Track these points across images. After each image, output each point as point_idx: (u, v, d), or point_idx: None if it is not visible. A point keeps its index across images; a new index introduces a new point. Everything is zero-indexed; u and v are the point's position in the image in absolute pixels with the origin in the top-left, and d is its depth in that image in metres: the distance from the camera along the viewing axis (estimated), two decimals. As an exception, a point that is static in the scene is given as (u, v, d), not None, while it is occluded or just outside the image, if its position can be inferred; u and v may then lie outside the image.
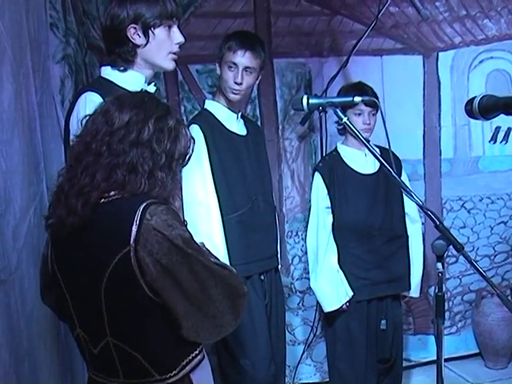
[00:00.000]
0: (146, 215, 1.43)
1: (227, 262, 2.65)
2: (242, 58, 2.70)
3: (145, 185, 1.48)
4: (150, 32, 2.07)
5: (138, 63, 2.11)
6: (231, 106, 2.80)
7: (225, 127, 2.80)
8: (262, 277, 2.83)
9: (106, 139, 1.48)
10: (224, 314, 1.50)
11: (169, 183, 1.52)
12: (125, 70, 2.10)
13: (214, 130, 2.76)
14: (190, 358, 1.56)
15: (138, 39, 2.07)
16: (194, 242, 1.50)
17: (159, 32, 2.08)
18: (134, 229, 1.41)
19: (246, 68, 2.71)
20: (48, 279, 1.60)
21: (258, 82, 2.85)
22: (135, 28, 2.06)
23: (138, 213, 1.43)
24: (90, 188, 1.47)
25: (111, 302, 1.46)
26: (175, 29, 2.12)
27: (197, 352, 1.57)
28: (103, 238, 1.46)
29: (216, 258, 1.59)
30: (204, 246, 1.62)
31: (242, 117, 2.94)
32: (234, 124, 2.83)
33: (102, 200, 1.48)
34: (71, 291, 1.53)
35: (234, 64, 2.71)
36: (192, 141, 1.60)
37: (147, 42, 2.07)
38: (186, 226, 1.52)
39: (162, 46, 2.10)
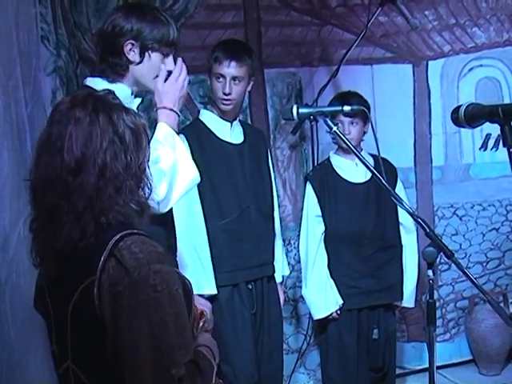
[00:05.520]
0: (117, 249, 1.37)
1: (211, 270, 2.71)
2: (228, 69, 2.73)
3: (120, 219, 1.42)
4: (146, 53, 2.08)
5: (127, 78, 2.12)
6: (224, 115, 2.83)
7: (216, 136, 2.83)
8: (250, 286, 2.84)
9: (68, 196, 1.39)
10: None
11: (143, 196, 1.47)
12: (113, 81, 2.10)
13: (202, 139, 2.79)
14: None
15: (132, 56, 2.08)
16: (168, 283, 1.38)
17: (155, 56, 2.10)
18: (102, 260, 1.36)
19: (233, 78, 2.74)
20: (40, 290, 1.60)
21: (249, 88, 2.86)
22: (133, 44, 2.07)
23: (111, 243, 1.37)
24: (62, 245, 1.41)
25: (74, 328, 1.43)
26: (170, 58, 2.12)
27: None
28: (76, 266, 1.42)
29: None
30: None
31: (243, 124, 2.96)
32: (227, 133, 2.85)
33: None
34: (53, 308, 1.53)
35: (221, 75, 2.74)
36: (142, 124, 1.48)
37: (141, 61, 2.09)
38: (162, 261, 1.41)
39: (153, 69, 2.11)
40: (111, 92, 1.54)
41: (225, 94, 2.73)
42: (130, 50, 2.07)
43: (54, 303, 1.50)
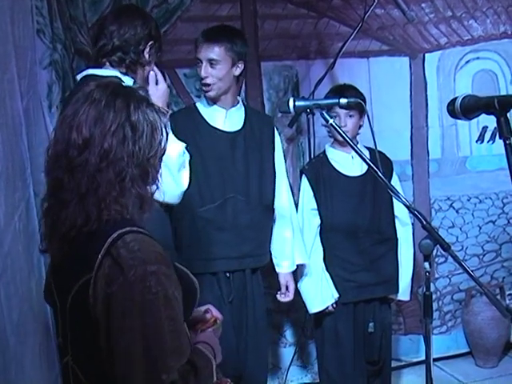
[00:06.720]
0: (114, 247, 1.35)
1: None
2: (201, 52, 2.70)
3: (120, 210, 1.41)
4: (156, 56, 2.37)
5: (139, 75, 2.32)
6: (216, 102, 2.79)
7: (208, 123, 2.79)
8: (228, 274, 2.78)
9: (71, 172, 1.39)
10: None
11: (147, 190, 1.45)
12: (125, 74, 2.27)
13: (188, 123, 2.76)
14: None
15: (148, 55, 2.32)
16: (161, 284, 1.35)
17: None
18: (99, 258, 1.34)
19: (209, 61, 2.69)
20: (48, 277, 1.59)
21: (237, 73, 2.76)
22: (152, 46, 2.32)
23: (109, 242, 1.35)
24: (68, 229, 1.40)
25: (72, 324, 1.43)
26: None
27: None
28: (76, 261, 1.41)
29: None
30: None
31: (248, 110, 2.91)
32: (221, 120, 2.81)
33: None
34: (57, 296, 1.51)
35: (199, 59, 2.72)
36: (163, 122, 1.48)
37: (150, 62, 2.35)
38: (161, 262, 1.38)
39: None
40: (143, 87, 1.56)
41: (201, 78, 2.70)
42: (150, 50, 2.32)
43: (57, 291, 1.49)
